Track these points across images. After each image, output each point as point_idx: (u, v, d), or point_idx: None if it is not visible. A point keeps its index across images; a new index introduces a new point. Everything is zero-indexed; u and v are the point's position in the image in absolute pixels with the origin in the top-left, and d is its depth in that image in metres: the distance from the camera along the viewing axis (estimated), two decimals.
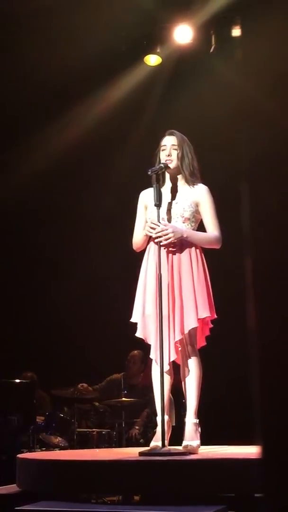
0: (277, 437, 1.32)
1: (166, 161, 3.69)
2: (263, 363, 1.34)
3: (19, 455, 3.84)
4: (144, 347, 3.91)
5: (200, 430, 3.55)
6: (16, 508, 2.91)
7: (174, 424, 4.07)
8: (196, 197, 3.69)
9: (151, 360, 3.63)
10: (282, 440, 1.31)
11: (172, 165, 3.70)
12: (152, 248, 3.66)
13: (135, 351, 6.41)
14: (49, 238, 7.48)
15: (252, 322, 1.34)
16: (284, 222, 1.34)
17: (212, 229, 3.68)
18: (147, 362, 5.18)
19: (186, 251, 3.60)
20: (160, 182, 3.62)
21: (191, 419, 3.55)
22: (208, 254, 3.74)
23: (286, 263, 1.34)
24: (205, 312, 3.53)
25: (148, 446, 3.51)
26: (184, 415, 3.62)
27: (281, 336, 1.33)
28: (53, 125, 6.69)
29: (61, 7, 5.63)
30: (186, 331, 3.50)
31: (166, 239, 3.52)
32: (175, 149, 3.72)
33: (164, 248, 3.56)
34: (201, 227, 3.73)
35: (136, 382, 6.40)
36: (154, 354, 3.55)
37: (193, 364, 3.58)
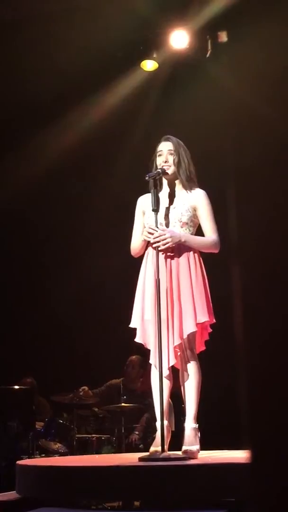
0: (265, 442, 1.32)
1: (162, 166, 3.70)
2: (251, 369, 1.34)
3: (19, 462, 3.83)
4: (143, 352, 3.90)
5: (199, 435, 3.54)
6: None
7: (173, 429, 4.06)
8: (193, 202, 3.69)
9: (150, 365, 3.63)
10: (270, 445, 1.31)
11: (169, 170, 3.71)
12: (150, 253, 3.66)
13: (134, 356, 6.41)
14: (48, 243, 7.48)
15: (240, 330, 1.34)
16: (273, 231, 1.34)
17: (210, 233, 3.68)
18: (147, 367, 5.17)
19: (184, 255, 3.60)
20: (157, 188, 3.62)
21: (190, 424, 3.54)
22: (207, 258, 3.73)
23: (275, 272, 1.34)
24: (203, 317, 3.53)
25: (148, 451, 3.49)
26: (183, 420, 3.62)
27: (269, 342, 1.33)
28: (49, 130, 6.69)
29: (57, 13, 5.64)
30: (185, 336, 3.50)
31: (164, 244, 3.52)
32: (171, 155, 3.72)
33: (162, 253, 3.56)
34: (199, 232, 3.73)
35: (135, 387, 6.39)
36: (153, 359, 3.56)
37: (192, 369, 3.58)
